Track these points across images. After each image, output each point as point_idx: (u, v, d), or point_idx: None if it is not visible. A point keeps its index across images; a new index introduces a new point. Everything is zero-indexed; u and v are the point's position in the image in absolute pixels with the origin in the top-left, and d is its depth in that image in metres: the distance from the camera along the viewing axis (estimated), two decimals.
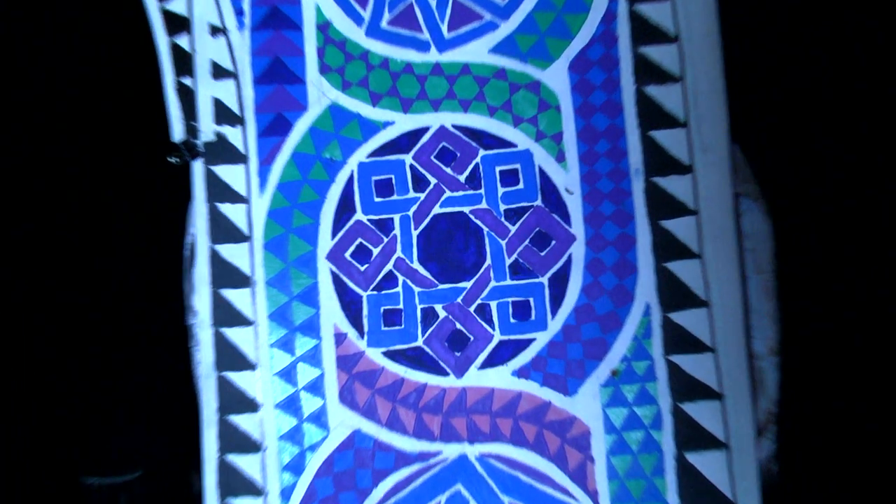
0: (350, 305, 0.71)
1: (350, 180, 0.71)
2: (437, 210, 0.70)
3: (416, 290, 0.70)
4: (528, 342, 0.70)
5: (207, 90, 0.69)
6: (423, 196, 0.71)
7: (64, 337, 0.71)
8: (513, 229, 0.71)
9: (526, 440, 0.67)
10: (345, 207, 0.72)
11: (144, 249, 0.75)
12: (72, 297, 0.71)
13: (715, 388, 0.65)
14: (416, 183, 0.71)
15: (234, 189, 0.70)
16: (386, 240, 0.71)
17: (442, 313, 0.70)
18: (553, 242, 0.70)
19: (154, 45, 0.65)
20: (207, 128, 0.68)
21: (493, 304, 0.71)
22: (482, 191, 0.70)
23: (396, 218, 0.70)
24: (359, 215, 0.72)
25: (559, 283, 0.70)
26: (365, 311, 0.71)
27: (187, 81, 0.67)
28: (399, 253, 0.71)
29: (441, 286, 0.70)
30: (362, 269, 0.71)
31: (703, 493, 0.64)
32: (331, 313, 0.71)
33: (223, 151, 0.69)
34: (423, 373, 0.70)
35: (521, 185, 0.71)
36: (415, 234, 0.70)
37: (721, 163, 0.67)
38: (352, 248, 0.71)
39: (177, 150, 0.65)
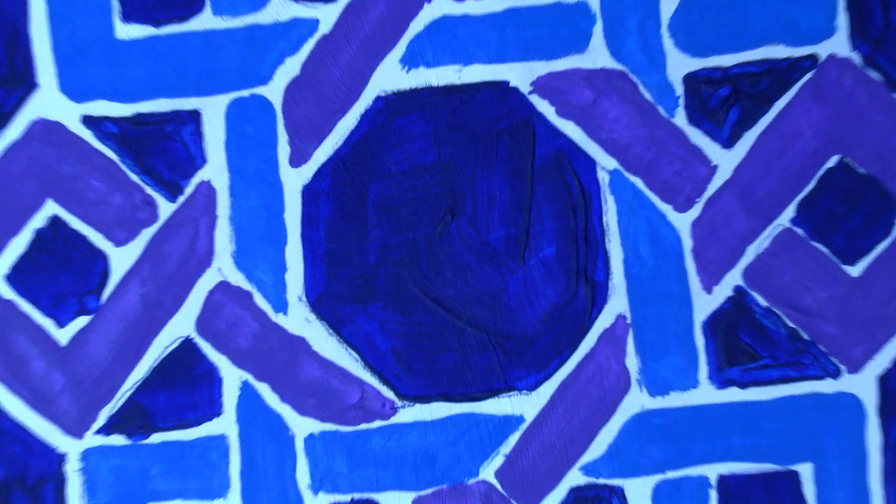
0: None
1: None
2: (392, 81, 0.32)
3: (298, 430, 0.32)
4: None
5: None
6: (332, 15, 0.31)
7: None
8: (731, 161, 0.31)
9: None
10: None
11: None
12: None
13: None
14: None
15: None
16: (172, 207, 0.32)
17: None
18: None
19: None
20: None
21: (640, 489, 0.31)
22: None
23: (213, 109, 0.31)
24: (45, 98, 0.32)
25: None
26: None
27: None
28: (227, 267, 0.31)
29: (405, 412, 0.31)
30: (58, 334, 0.32)
31: None
32: None
33: None
34: None
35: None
36: (291, 178, 0.32)
37: None
38: (17, 247, 0.32)
39: None
